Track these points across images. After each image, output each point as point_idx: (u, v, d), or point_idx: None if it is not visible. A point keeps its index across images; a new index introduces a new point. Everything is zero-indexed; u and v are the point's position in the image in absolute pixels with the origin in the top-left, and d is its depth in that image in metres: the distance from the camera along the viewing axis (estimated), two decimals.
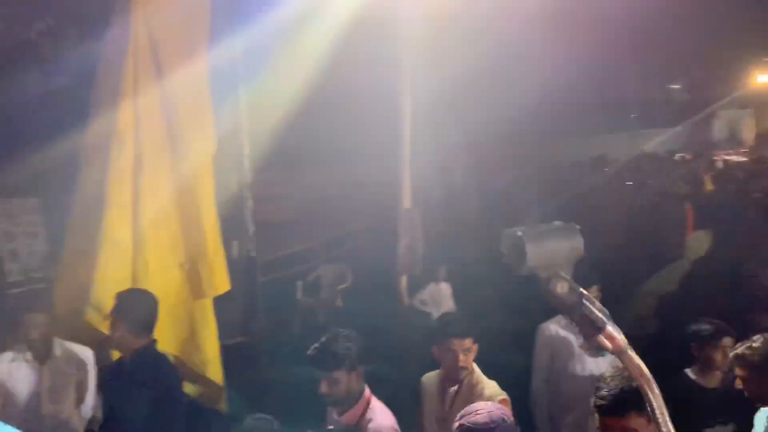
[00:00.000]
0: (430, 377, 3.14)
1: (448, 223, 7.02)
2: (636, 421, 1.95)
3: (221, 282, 4.01)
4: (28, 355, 3.49)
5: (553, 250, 1.22)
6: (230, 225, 4.48)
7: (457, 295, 5.42)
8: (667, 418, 1.22)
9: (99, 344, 3.60)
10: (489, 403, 2.23)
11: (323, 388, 2.63)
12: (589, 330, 1.19)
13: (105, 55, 3.95)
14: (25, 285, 4.98)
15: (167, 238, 3.89)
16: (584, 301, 1.19)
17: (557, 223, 1.31)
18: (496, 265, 1.55)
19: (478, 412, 2.06)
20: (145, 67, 3.82)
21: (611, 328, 1.18)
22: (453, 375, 2.95)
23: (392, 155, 4.68)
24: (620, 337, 1.17)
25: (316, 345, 2.69)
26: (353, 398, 2.67)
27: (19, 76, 5.33)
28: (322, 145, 7.98)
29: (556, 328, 3.69)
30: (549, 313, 3.74)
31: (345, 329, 2.75)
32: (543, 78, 9.61)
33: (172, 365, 3.43)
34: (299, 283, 5.76)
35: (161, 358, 3.28)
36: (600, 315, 1.19)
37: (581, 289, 1.21)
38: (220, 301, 4.08)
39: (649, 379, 1.19)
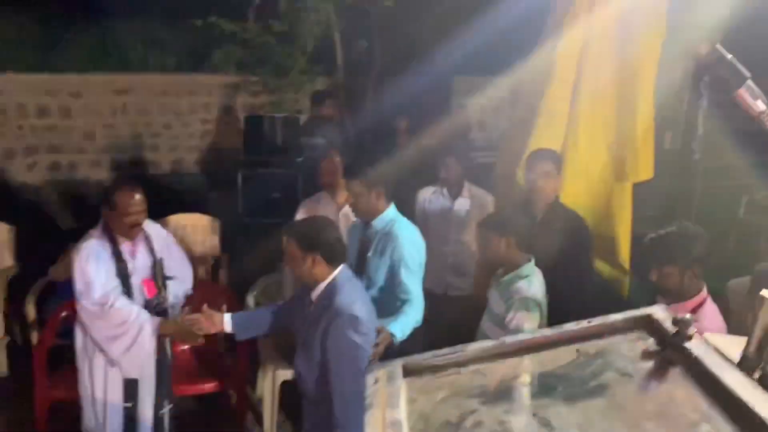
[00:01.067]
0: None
1: None
2: None
3: (645, 169, 4.01)
4: (444, 191, 4.25)
5: None
6: (667, 117, 4.34)
7: None
8: None
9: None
10: None
11: (653, 276, 2.56)
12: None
13: None
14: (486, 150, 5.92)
15: (601, 117, 4.05)
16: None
17: None
18: None
19: None
20: None
21: None
22: None
23: None
24: None
25: (652, 235, 2.60)
26: (684, 295, 2.52)
27: None
28: None
29: None
30: None
31: (696, 227, 2.57)
32: None
33: (587, 227, 3.69)
34: (745, 199, 5.26)
35: (578, 217, 3.58)
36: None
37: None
38: (644, 191, 4.11)
39: None
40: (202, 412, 3.92)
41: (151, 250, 3.05)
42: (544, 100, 4.08)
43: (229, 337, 2.99)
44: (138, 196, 2.92)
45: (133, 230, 2.94)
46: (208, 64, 8.17)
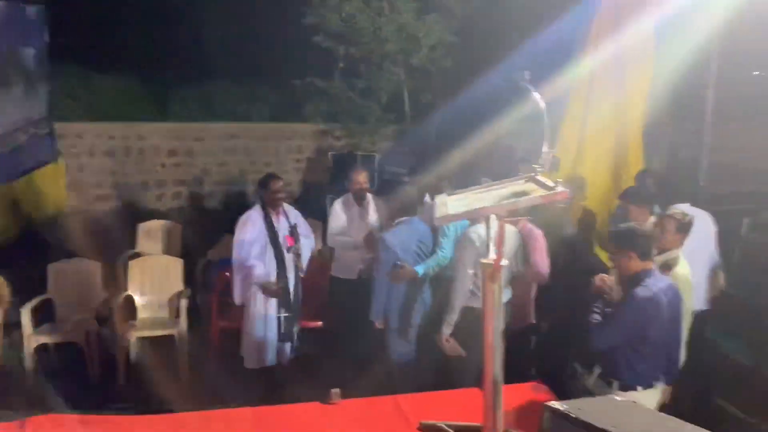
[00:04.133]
0: None
1: None
2: None
3: (635, 160, 5.52)
4: None
5: None
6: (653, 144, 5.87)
7: None
8: None
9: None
10: None
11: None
12: None
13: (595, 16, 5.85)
14: None
15: (602, 144, 5.63)
16: None
17: None
18: None
19: None
20: (607, 24, 5.60)
21: None
22: None
23: None
24: None
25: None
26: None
27: None
28: None
29: None
30: None
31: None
32: None
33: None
34: (746, 220, 6.58)
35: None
36: None
37: None
38: None
39: None
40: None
41: (288, 219, 4.74)
42: (560, 132, 5.70)
43: None
44: (281, 183, 4.65)
45: (277, 204, 4.64)
46: (300, 114, 10.11)
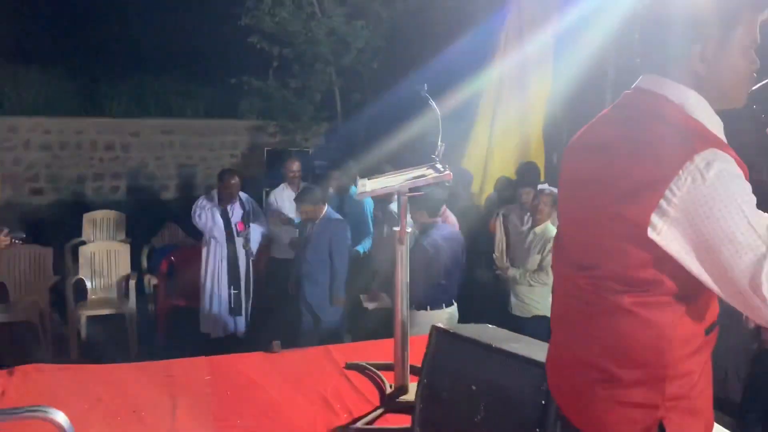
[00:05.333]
0: None
1: None
2: None
3: (537, 151, 6.45)
4: None
5: None
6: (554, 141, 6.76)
7: None
8: None
9: None
10: None
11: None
12: None
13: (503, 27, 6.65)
14: None
15: (509, 142, 6.45)
16: None
17: None
18: None
19: None
20: (514, 34, 6.41)
21: None
22: None
23: None
24: None
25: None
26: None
27: None
28: None
29: None
30: None
31: None
32: None
33: None
34: None
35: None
36: None
37: None
38: None
39: None
40: None
41: (243, 207, 5.27)
42: (472, 132, 6.48)
43: None
44: (235, 178, 5.17)
45: (228, 196, 5.17)
46: (235, 111, 10.56)
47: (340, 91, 10.25)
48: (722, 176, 1.30)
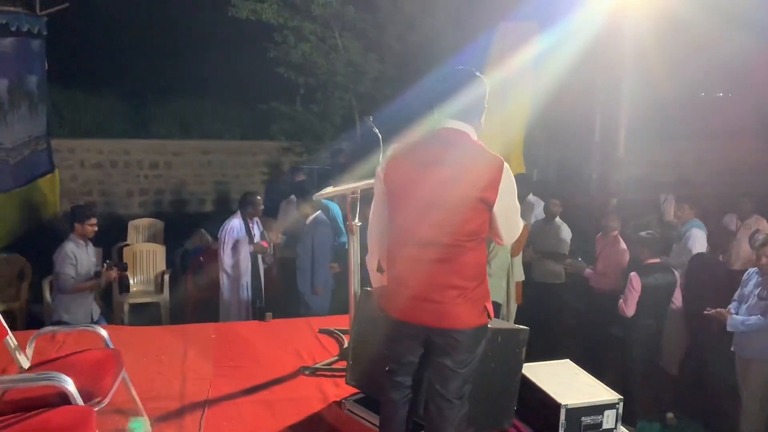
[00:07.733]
0: None
1: None
2: None
3: (517, 165, 7.27)
4: None
5: None
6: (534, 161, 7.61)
7: None
8: None
9: None
10: None
11: None
12: None
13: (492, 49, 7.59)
14: None
15: (497, 136, 7.35)
16: None
17: None
18: None
19: None
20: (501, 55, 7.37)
21: None
22: None
23: None
24: None
25: None
26: None
27: None
28: None
29: None
30: None
31: None
32: None
33: None
34: None
35: None
36: None
37: None
38: None
39: None
40: None
41: (258, 226, 6.28)
42: None
43: None
44: (259, 197, 6.15)
45: (256, 215, 6.15)
46: (266, 133, 11.73)
47: (359, 114, 11.31)
48: (511, 175, 2.50)
